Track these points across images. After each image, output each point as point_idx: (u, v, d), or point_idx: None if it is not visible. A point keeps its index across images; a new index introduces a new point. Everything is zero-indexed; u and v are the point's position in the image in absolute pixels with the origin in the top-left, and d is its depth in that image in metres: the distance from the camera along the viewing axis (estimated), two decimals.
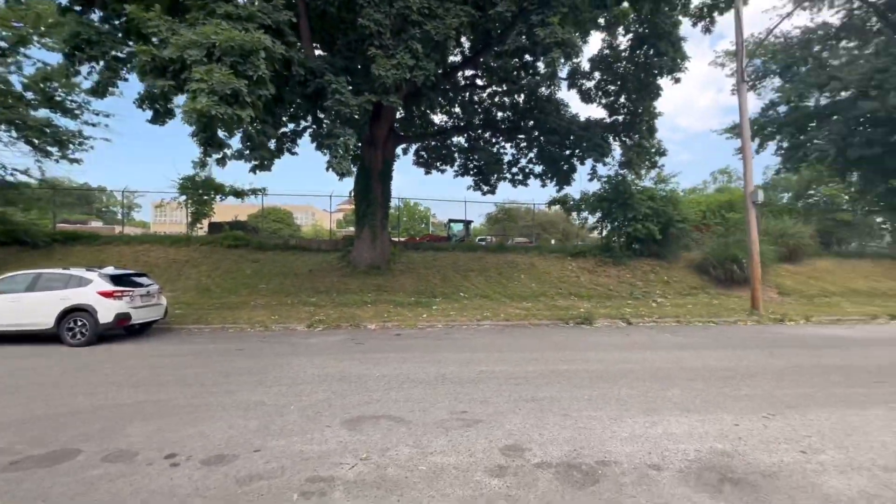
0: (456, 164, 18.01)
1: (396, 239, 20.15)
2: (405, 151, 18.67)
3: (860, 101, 16.56)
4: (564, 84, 16.23)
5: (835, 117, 18.39)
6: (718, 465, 3.35)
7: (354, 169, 14.92)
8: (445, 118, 17.52)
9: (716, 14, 13.19)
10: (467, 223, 22.58)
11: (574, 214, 19.42)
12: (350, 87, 9.94)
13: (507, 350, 7.49)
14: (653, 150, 16.93)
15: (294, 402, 4.70)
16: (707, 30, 13.55)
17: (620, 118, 15.90)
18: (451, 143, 17.81)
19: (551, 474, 3.19)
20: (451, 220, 22.89)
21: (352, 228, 22.69)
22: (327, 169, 9.30)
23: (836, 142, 18.10)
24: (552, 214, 29.75)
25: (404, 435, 3.87)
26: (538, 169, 17.08)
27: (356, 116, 10.07)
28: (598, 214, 17.42)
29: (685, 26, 14.05)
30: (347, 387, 5.28)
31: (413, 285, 13.75)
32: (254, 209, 26.44)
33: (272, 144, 13.03)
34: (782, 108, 20.96)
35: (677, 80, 13.43)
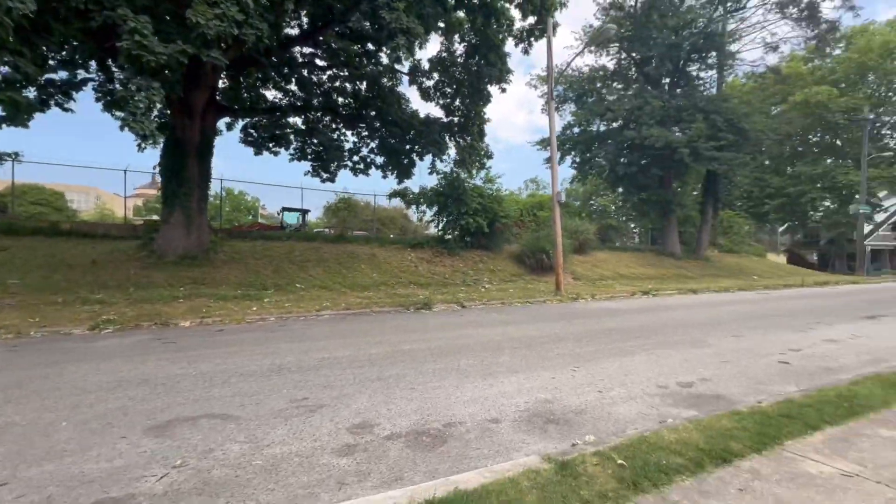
0: (292, 146, 16.64)
1: (218, 227, 17.53)
2: (230, 127, 16.39)
3: (625, 131, 21.54)
4: (406, 79, 16.63)
5: (609, 141, 23.48)
6: (543, 410, 3.83)
7: (161, 141, 12.41)
8: (280, 95, 15.99)
9: (532, 39, 15.29)
10: (304, 212, 21.15)
11: (413, 208, 20.09)
12: (156, 36, 8.11)
13: (350, 336, 7.24)
14: (482, 153, 18.71)
15: (69, 417, 3.57)
16: (526, 51, 15.60)
17: (456, 119, 17.07)
18: (286, 122, 16.37)
19: (402, 443, 3.15)
20: (284, 209, 21.08)
21: (155, 217, 18.81)
22: (122, 128, 7.35)
23: (610, 161, 23.17)
24: (391, 210, 30.22)
25: (233, 432, 3.32)
26: (380, 160, 17.08)
27: (166, 72, 8.31)
28: (436, 209, 18.39)
29: (510, 46, 16.16)
30: (152, 390, 4.28)
31: (240, 277, 12.16)
32: None
33: (31, 93, 9.85)
34: (576, 130, 25.74)
35: (504, 90, 15.13)
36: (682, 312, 10.48)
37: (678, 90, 22.83)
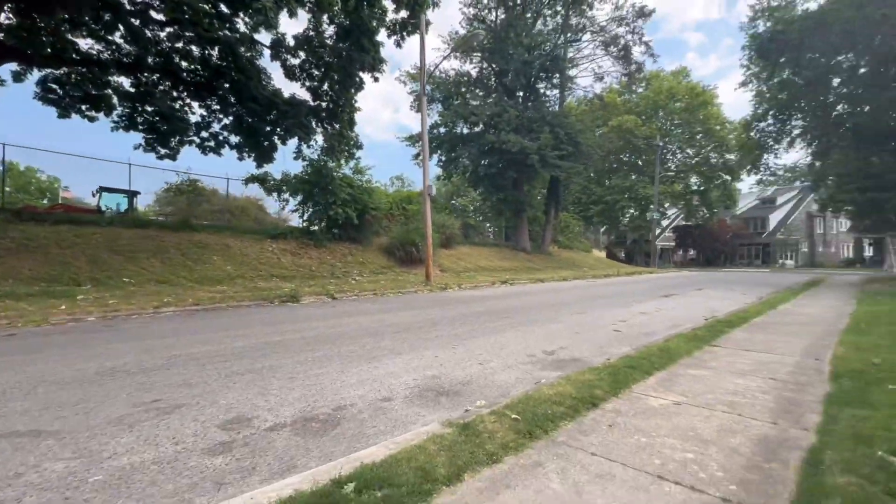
0: (116, 112, 13.63)
1: None
2: (19, 77, 12.62)
3: (487, 135, 23.33)
4: (267, 53, 15.10)
5: (472, 143, 25.09)
6: (432, 385, 3.89)
7: None
8: (100, 46, 12.89)
9: (405, 33, 15.38)
10: (132, 194, 17.51)
11: (274, 196, 18.41)
12: None
13: (206, 332, 6.27)
14: (352, 142, 18.19)
15: None
16: (398, 44, 15.60)
17: (324, 104, 16.20)
18: (108, 81, 13.31)
19: (288, 432, 2.85)
20: (102, 189, 17.11)
21: None
22: None
23: (474, 161, 24.84)
24: (244, 200, 27.08)
25: (52, 448, 2.57)
26: (235, 139, 15.20)
27: None
28: (301, 197, 17.17)
29: (382, 37, 15.91)
30: None
31: (38, 270, 9.49)
32: None
33: None
34: (442, 130, 26.86)
35: (376, 79, 14.90)
36: (536, 297, 11.83)
37: (530, 103, 25.69)
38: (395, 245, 17.68)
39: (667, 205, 48.98)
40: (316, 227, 16.98)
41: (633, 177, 47.14)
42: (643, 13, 24.86)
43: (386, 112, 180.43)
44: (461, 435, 2.54)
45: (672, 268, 42.55)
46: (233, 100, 14.51)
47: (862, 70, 17.89)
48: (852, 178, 16.85)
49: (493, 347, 5.43)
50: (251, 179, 16.92)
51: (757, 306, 9.25)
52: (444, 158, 27.14)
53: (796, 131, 24.59)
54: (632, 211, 49.20)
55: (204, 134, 14.84)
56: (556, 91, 27.81)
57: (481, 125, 24.65)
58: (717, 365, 4.25)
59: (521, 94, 26.36)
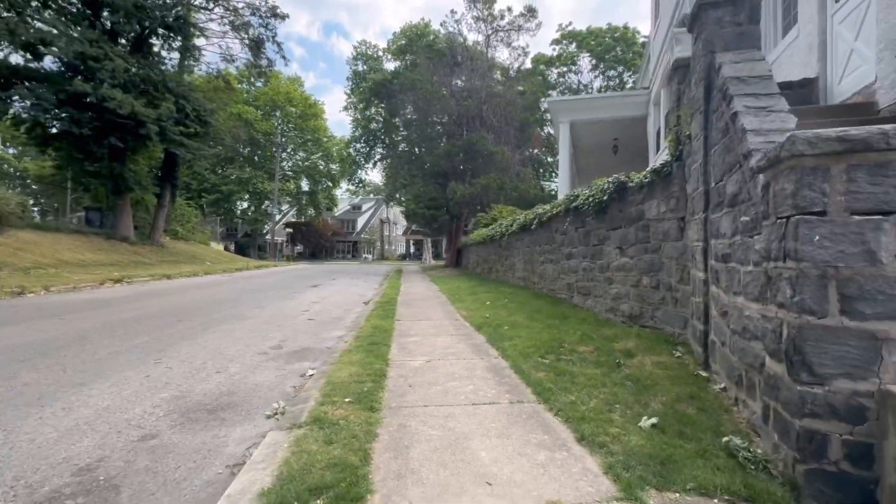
0: None
1: None
2: None
3: (76, 80, 16.86)
4: None
5: (39, 83, 17.40)
6: (189, 406, 3.22)
7: None
8: None
9: None
10: None
11: None
12: None
13: None
14: None
15: None
16: None
17: None
18: None
19: None
20: None
21: None
22: None
23: (41, 110, 17.34)
24: None
25: None
26: None
27: None
28: None
29: None
30: None
31: None
32: None
33: None
34: None
35: None
36: (187, 296, 10.15)
37: (141, 57, 20.57)
38: None
39: (281, 201, 51.72)
40: None
41: (249, 170, 46.77)
42: (276, 14, 25.42)
43: None
44: (322, 429, 2.52)
45: (286, 261, 45.47)
46: None
47: (415, 124, 26.22)
48: (422, 200, 24.39)
49: (210, 353, 4.72)
50: None
51: (387, 289, 12.08)
52: None
53: (378, 157, 32.54)
54: (247, 204, 48.79)
55: None
56: (175, 54, 23.70)
57: (60, 61, 17.65)
58: (416, 331, 5.71)
59: (124, 41, 20.74)
